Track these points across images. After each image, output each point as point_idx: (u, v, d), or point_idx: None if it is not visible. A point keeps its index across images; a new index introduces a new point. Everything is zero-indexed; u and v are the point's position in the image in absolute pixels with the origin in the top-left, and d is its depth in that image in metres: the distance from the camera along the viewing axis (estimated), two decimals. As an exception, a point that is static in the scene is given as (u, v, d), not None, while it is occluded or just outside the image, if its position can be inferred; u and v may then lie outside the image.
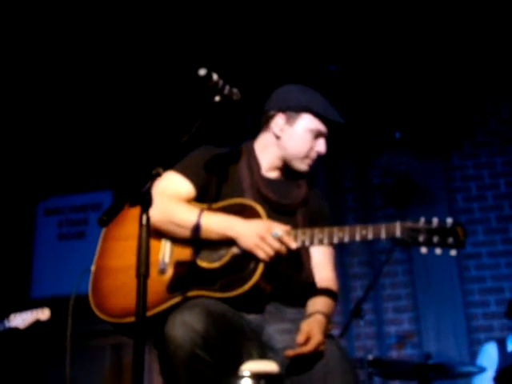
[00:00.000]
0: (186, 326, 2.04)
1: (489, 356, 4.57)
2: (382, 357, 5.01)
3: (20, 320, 4.06)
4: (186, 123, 2.26)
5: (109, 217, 1.81)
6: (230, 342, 2.16)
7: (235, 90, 2.37)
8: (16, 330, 4.06)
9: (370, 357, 4.02)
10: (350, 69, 5.90)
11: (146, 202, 1.84)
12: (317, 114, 2.55)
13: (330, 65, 5.88)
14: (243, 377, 2.18)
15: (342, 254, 5.78)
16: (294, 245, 2.26)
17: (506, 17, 5.38)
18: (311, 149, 2.57)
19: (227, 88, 2.33)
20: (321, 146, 2.58)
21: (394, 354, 5.54)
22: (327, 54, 5.80)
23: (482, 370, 4.25)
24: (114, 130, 6.39)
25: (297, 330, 2.25)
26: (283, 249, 2.26)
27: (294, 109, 2.56)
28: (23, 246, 6.40)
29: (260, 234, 2.25)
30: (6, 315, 4.13)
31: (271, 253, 2.24)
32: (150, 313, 2.18)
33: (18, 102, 6.22)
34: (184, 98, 5.74)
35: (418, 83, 5.92)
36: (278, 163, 2.63)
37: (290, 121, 2.56)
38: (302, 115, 2.56)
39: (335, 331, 4.84)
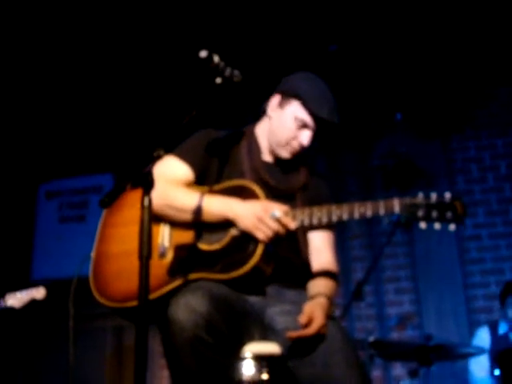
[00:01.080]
0: (189, 309, 2.04)
1: (481, 340, 4.68)
2: (383, 338, 5.03)
3: (15, 299, 4.06)
4: (187, 105, 2.25)
5: (110, 198, 1.81)
6: (233, 324, 2.17)
7: (236, 72, 2.35)
8: (12, 309, 4.06)
9: (371, 338, 4.03)
10: (351, 49, 5.86)
11: (147, 184, 1.83)
12: (306, 104, 2.49)
13: (330, 45, 5.84)
14: (245, 358, 2.19)
15: (343, 236, 5.78)
16: (292, 225, 2.25)
17: (506, 1, 5.34)
18: (294, 138, 2.52)
19: (228, 70, 2.31)
20: (304, 137, 2.51)
21: (394, 335, 5.57)
22: (327, 33, 5.75)
23: (481, 351, 4.27)
24: (114, 112, 6.37)
25: (297, 311, 2.26)
26: (282, 229, 2.25)
27: (286, 92, 2.54)
28: (24, 228, 6.41)
29: (258, 215, 2.24)
30: (2, 295, 4.14)
31: (270, 234, 2.23)
32: (151, 296, 2.18)
33: (19, 86, 6.20)
34: (185, 80, 5.71)
35: (419, 65, 5.89)
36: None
37: (282, 103, 2.55)
38: (292, 101, 2.52)
39: (336, 313, 4.86)
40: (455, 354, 4.27)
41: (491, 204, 5.74)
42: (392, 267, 5.75)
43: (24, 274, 6.18)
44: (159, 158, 1.92)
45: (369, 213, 2.18)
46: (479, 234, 5.67)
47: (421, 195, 2.15)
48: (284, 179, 2.54)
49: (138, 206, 1.85)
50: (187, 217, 2.33)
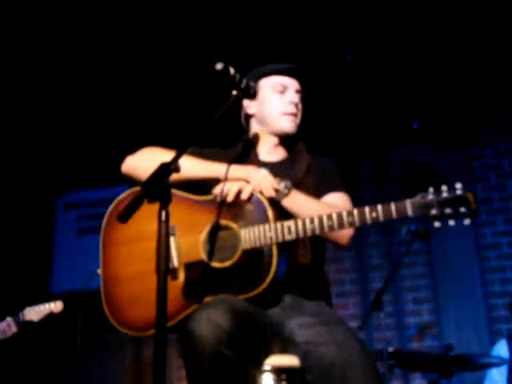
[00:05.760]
0: (211, 324, 2.03)
1: (499, 355, 4.58)
2: (403, 349, 4.99)
3: (34, 313, 4.13)
4: (203, 117, 2.25)
5: (128, 213, 1.79)
6: (254, 338, 2.16)
7: (252, 84, 2.37)
8: (31, 322, 4.12)
9: (391, 348, 3.99)
10: (368, 58, 5.86)
11: (164, 198, 1.81)
12: (270, 71, 2.58)
13: (347, 54, 5.84)
14: (265, 371, 2.18)
15: (360, 245, 5.76)
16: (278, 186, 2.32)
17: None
18: (284, 104, 2.57)
19: (244, 82, 2.32)
20: (290, 96, 2.58)
21: (413, 345, 5.52)
22: (344, 43, 5.76)
23: (503, 361, 4.22)
24: (132, 124, 6.39)
25: (317, 323, 2.25)
26: (270, 185, 2.31)
27: (251, 85, 2.50)
28: (43, 241, 6.44)
29: (247, 168, 2.36)
30: (21, 309, 4.21)
31: (259, 183, 2.30)
32: (171, 323, 2.19)
33: (36, 98, 6.24)
34: (201, 93, 5.73)
35: (436, 73, 5.87)
36: (272, 140, 2.63)
37: (254, 96, 2.53)
38: (259, 84, 2.58)
39: (354, 323, 4.83)
40: (476, 365, 4.22)
41: (510, 212, 5.69)
42: (411, 276, 5.71)
43: (43, 287, 6.21)
44: (176, 171, 1.91)
45: (381, 218, 2.14)
46: (499, 242, 5.61)
47: (431, 189, 2.10)
48: (285, 174, 2.49)
49: (137, 221, 1.82)
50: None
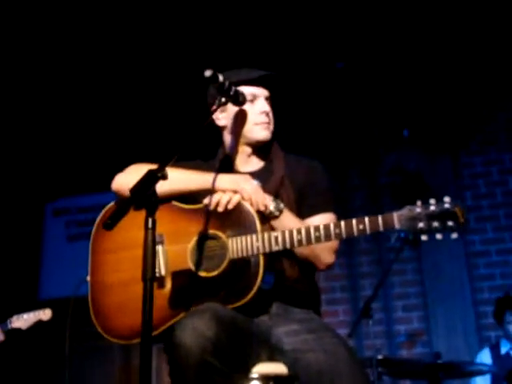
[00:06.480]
0: (196, 333, 2.02)
1: (482, 362, 4.64)
2: (392, 356, 4.99)
3: (22, 321, 4.11)
4: (191, 126, 2.25)
5: (114, 220, 1.79)
6: (240, 346, 2.15)
7: (241, 91, 2.36)
8: (19, 330, 4.09)
9: (380, 356, 4.00)
10: (358, 66, 5.88)
11: (151, 205, 1.80)
12: (238, 81, 2.45)
13: (337, 62, 5.85)
14: (252, 379, 2.17)
15: (351, 254, 5.76)
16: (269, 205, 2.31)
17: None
18: (256, 114, 2.52)
19: (233, 89, 2.31)
20: (261, 105, 2.52)
21: (403, 352, 5.52)
22: (335, 51, 5.77)
23: (491, 368, 4.24)
24: (121, 130, 6.38)
25: (305, 330, 2.25)
26: (260, 198, 2.30)
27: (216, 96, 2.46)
28: (32, 247, 6.41)
29: (238, 178, 2.35)
30: (9, 316, 4.18)
31: (249, 193, 2.29)
32: (156, 332, 2.19)
33: (26, 104, 6.23)
34: (190, 100, 5.74)
35: (426, 81, 5.90)
36: (246, 150, 2.59)
37: (222, 109, 2.51)
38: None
39: (344, 330, 4.83)
40: (464, 372, 4.23)
41: (499, 219, 5.71)
42: (400, 284, 5.72)
43: (31, 293, 6.18)
44: (164, 178, 1.90)
45: (368, 231, 2.12)
46: (488, 249, 5.64)
47: (419, 203, 2.09)
48: (263, 182, 2.45)
49: (126, 229, 1.81)
50: (169, 183, 2.22)
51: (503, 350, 4.71)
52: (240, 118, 2.54)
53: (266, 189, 2.40)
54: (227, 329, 2.09)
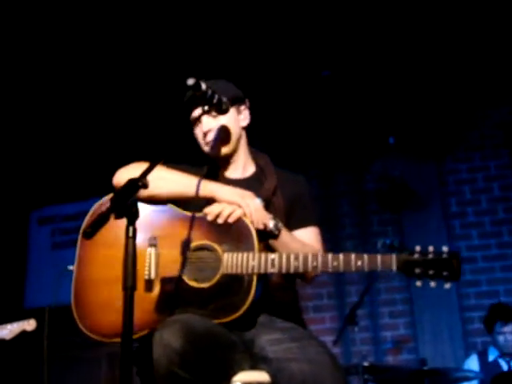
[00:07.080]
0: (163, 344, 2.01)
1: (470, 369, 4.66)
2: (378, 363, 5.00)
3: (6, 331, 4.07)
4: (176, 133, 2.25)
5: (94, 229, 1.78)
6: (213, 357, 2.13)
7: (224, 100, 2.35)
8: (2, 341, 4.06)
9: (366, 363, 4.01)
10: (344, 74, 5.89)
11: (132, 215, 1.79)
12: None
13: (323, 70, 5.87)
14: (234, 387, 2.17)
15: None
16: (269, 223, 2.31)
17: (497, 24, 5.38)
18: (201, 137, 2.56)
19: (216, 97, 2.30)
20: (201, 127, 2.54)
21: (389, 359, 5.53)
22: (320, 59, 5.79)
23: (477, 375, 4.25)
24: (105, 138, 6.36)
25: (288, 339, 2.25)
26: (262, 217, 2.29)
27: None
28: (17, 255, 6.38)
29: (242, 192, 2.33)
30: None
31: (250, 209, 2.27)
32: (139, 334, 2.18)
33: (12, 112, 6.20)
34: (174, 108, 5.73)
35: (411, 88, 5.93)
36: (227, 160, 2.60)
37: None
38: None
39: (331, 337, 4.83)
40: (450, 379, 4.25)
41: (485, 226, 5.74)
42: (387, 290, 5.73)
43: (17, 302, 6.13)
44: (145, 187, 1.89)
45: (366, 268, 2.16)
46: (473, 256, 5.66)
47: (418, 249, 2.14)
48: (252, 191, 2.44)
49: (120, 226, 1.80)
50: (170, 186, 2.35)
51: (491, 357, 4.72)
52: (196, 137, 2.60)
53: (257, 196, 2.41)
54: (198, 340, 2.07)
